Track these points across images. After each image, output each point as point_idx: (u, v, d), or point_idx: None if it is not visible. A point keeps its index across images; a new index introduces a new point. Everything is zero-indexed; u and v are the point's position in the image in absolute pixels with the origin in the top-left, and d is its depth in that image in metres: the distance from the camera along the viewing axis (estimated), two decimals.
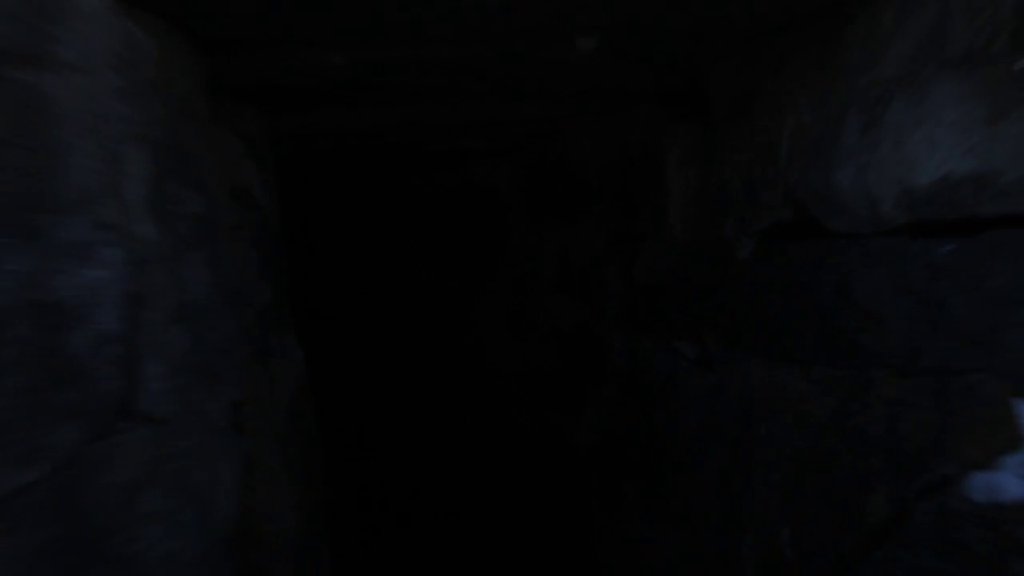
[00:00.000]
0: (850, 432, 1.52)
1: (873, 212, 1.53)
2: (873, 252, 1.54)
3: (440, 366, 5.07)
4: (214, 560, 1.40)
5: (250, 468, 1.71)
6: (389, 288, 5.48)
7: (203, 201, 1.56)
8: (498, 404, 4.46)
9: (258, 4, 1.46)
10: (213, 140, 1.86)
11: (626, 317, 2.93)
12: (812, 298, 1.72)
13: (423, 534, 4.66)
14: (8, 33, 0.96)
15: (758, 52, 2.00)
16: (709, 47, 2.06)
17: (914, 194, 1.44)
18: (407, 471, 5.19)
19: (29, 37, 1.01)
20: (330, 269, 5.72)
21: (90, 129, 1.13)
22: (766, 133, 1.96)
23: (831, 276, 1.65)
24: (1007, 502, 1.21)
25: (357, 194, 5.44)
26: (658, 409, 2.62)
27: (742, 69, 2.09)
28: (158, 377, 1.26)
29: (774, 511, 1.76)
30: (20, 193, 0.96)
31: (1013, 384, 1.23)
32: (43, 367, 0.97)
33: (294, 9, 1.50)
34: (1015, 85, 1.25)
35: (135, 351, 1.21)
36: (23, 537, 0.91)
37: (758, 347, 1.98)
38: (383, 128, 2.88)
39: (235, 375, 1.59)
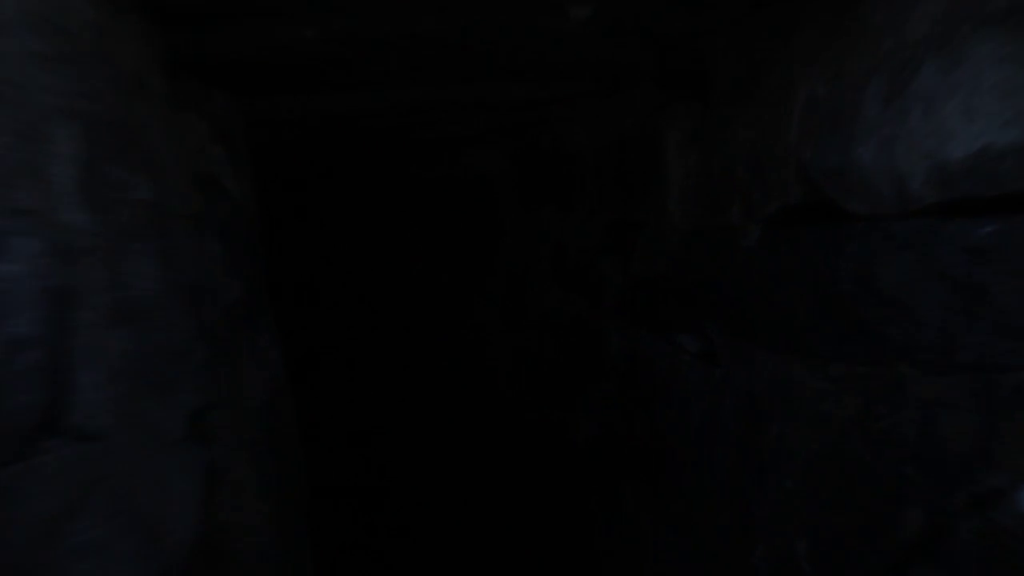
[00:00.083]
0: (877, 436, 1.34)
1: (899, 191, 1.36)
2: (900, 235, 1.36)
3: (435, 360, 4.89)
4: None
5: (215, 481, 1.53)
6: (382, 282, 5.30)
7: (154, 187, 1.38)
8: (495, 398, 4.29)
9: None
10: (173, 122, 1.68)
11: (624, 309, 2.76)
12: (829, 287, 1.54)
13: (418, 532, 4.50)
14: None
15: (765, 20, 1.82)
16: (711, 16, 1.88)
17: (948, 169, 1.26)
18: (401, 466, 5.03)
19: None
20: (321, 263, 5.54)
21: None
22: (774, 109, 1.78)
23: (851, 263, 1.48)
24: None
25: (347, 185, 5.26)
26: (659, 405, 2.45)
27: (747, 40, 1.91)
28: (93, 386, 1.09)
29: (789, 521, 1.59)
30: None
31: None
32: None
33: None
34: None
35: (63, 357, 1.03)
36: None
37: (767, 340, 1.80)
38: (367, 113, 2.70)
39: (194, 380, 1.42)
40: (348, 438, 5.32)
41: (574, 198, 3.12)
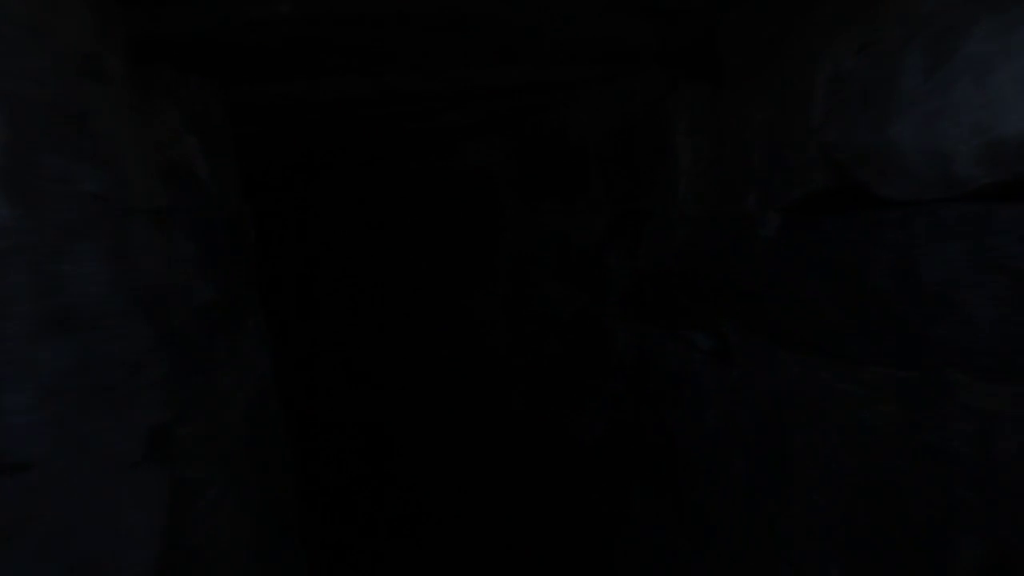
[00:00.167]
0: (922, 450, 1.17)
1: (944, 172, 1.18)
2: (946, 222, 1.19)
3: (436, 357, 4.73)
4: None
5: (185, 504, 1.37)
6: (380, 278, 5.14)
7: (106, 179, 1.22)
8: (499, 395, 4.13)
9: None
10: (137, 109, 1.52)
11: (632, 304, 2.59)
12: (861, 281, 1.37)
13: (417, 532, 4.35)
14: None
15: None
16: None
17: (1003, 146, 1.09)
18: (401, 466, 4.88)
19: None
20: (317, 260, 5.38)
21: None
22: (794, 87, 1.61)
23: (887, 254, 1.30)
24: None
25: (343, 179, 5.09)
26: (669, 406, 2.28)
27: (762, 13, 1.73)
28: (21, 408, 0.93)
29: (820, 542, 1.42)
30: None
31: None
32: None
33: None
34: None
35: None
36: None
37: (789, 339, 1.63)
38: (357, 101, 2.53)
39: (154, 393, 1.25)
40: (347, 436, 5.17)
41: (577, 188, 2.95)
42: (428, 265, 4.65)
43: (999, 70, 1.09)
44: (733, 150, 1.90)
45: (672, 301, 2.28)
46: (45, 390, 0.97)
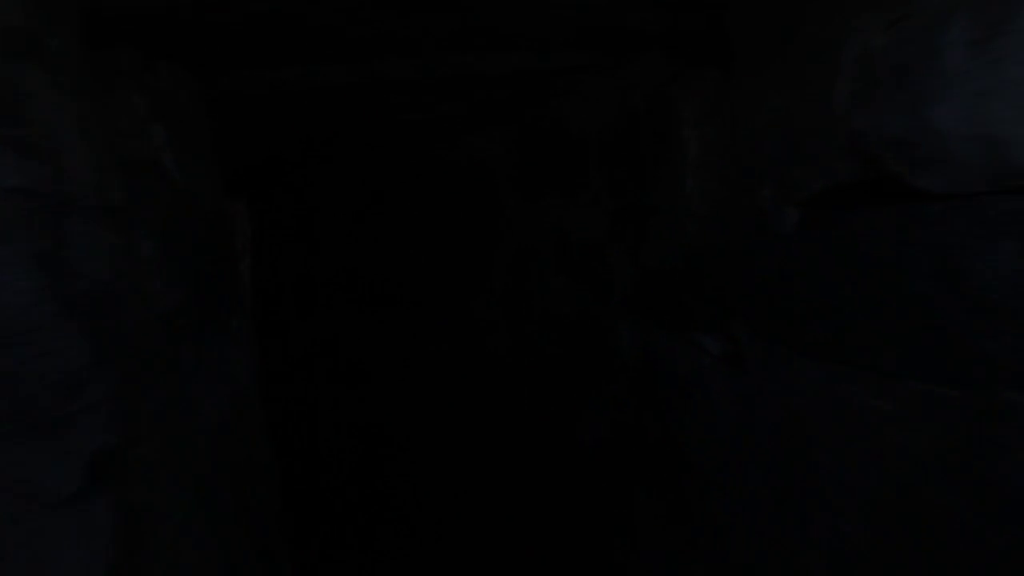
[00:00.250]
0: (972, 482, 1.01)
1: (995, 160, 1.02)
2: (997, 218, 1.02)
3: (434, 356, 4.57)
4: None
5: (140, 533, 1.21)
6: (377, 275, 4.98)
7: (39, 172, 1.06)
8: (498, 395, 3.97)
9: None
10: (91, 96, 1.36)
11: (636, 303, 2.42)
12: (895, 284, 1.20)
13: (416, 534, 4.21)
14: None
15: None
16: None
17: None
18: (399, 465, 4.73)
19: None
20: (317, 256, 5.23)
21: None
22: (816, 69, 1.44)
23: (926, 254, 1.14)
24: None
25: (339, 173, 4.93)
26: (676, 413, 2.12)
27: None
28: None
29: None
30: None
31: None
32: None
33: None
34: None
35: None
36: None
37: (809, 347, 1.47)
38: (344, 89, 2.36)
39: (97, 414, 1.09)
40: (345, 437, 5.03)
41: (578, 181, 2.78)
42: (428, 261, 4.49)
43: None
44: (745, 140, 1.74)
45: (679, 301, 2.12)
46: None
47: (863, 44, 1.29)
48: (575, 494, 3.06)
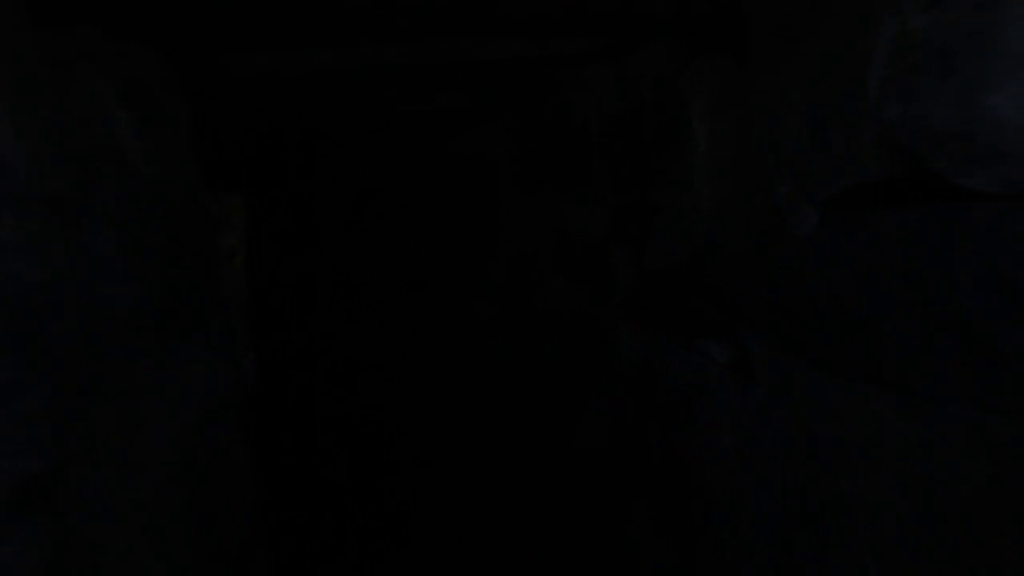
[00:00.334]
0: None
1: None
2: None
3: (432, 355, 4.42)
4: None
5: (76, 566, 1.06)
6: (374, 273, 4.83)
7: None
8: (497, 396, 3.82)
9: None
10: (42, 78, 1.20)
11: (637, 306, 2.27)
12: (934, 295, 1.05)
13: (412, 537, 4.07)
14: None
15: None
16: None
17: None
18: (397, 465, 4.59)
19: None
20: (316, 254, 5.08)
21: None
22: (844, 55, 1.28)
23: (972, 262, 0.98)
24: None
25: (335, 166, 4.77)
26: (679, 423, 1.97)
27: None
28: None
29: None
30: None
31: None
32: None
33: None
34: None
35: None
36: None
37: (828, 359, 1.31)
38: (339, 76, 2.20)
39: (22, 435, 0.94)
40: (343, 437, 4.88)
41: (579, 177, 2.62)
42: (427, 257, 4.34)
43: None
44: (760, 134, 1.58)
45: (684, 305, 1.96)
46: None
47: (900, 25, 1.13)
48: (571, 502, 2.92)
